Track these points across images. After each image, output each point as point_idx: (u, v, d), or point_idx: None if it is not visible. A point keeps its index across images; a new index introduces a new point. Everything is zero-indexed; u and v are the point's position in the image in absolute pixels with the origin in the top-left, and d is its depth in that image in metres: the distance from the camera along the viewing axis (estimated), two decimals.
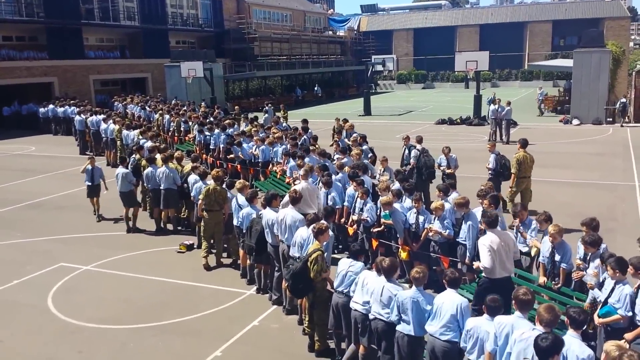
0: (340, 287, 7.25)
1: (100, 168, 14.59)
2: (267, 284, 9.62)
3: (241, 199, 10.15)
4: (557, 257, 7.73)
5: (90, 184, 14.24)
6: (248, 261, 10.10)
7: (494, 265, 7.26)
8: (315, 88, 54.09)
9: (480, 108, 30.64)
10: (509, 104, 24.86)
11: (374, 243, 10.03)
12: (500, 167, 13.21)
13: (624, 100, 30.58)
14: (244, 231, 9.75)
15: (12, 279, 10.70)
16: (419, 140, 14.59)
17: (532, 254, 8.27)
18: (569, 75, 34.70)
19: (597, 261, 7.01)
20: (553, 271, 7.82)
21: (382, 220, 10.02)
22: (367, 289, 6.81)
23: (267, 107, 28.10)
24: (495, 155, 13.30)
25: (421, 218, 9.57)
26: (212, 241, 11.06)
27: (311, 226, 7.91)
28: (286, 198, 9.42)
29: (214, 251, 11.12)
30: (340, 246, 11.34)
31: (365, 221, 10.27)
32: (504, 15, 67.78)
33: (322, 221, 8.10)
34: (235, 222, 10.32)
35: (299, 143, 16.16)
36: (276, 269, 9.18)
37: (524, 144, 13.21)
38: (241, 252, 10.35)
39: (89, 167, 14.17)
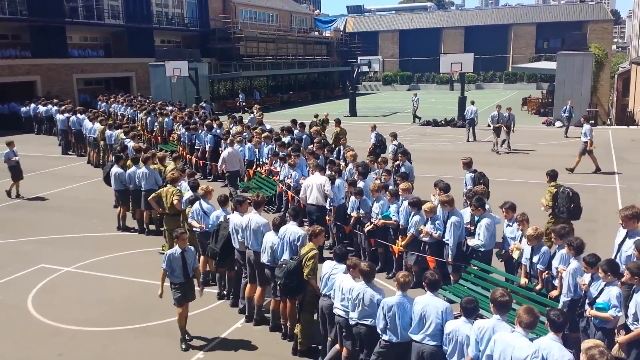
0: (324, 289, 7.27)
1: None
2: (230, 290, 9.47)
3: (205, 204, 9.87)
4: (535, 259, 7.82)
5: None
6: (208, 267, 10.00)
7: (305, 197, 11.39)
8: (255, 93, 47.62)
9: (464, 110, 30.75)
10: (509, 109, 23.60)
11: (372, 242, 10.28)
12: (379, 143, 17.26)
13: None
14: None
15: None
16: (394, 135, 16.09)
17: (515, 256, 8.35)
18: (552, 77, 35.07)
19: (575, 262, 7.06)
20: (530, 272, 7.93)
21: (382, 220, 10.15)
22: (345, 293, 6.82)
23: (254, 109, 28.06)
24: (376, 134, 17.51)
25: (416, 218, 9.55)
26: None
27: (290, 228, 8.05)
28: None
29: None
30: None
31: (365, 218, 10.54)
32: (489, 17, 68.28)
33: (317, 225, 8.10)
34: (196, 225, 9.84)
35: (285, 144, 16.13)
36: (243, 275, 9.02)
37: (338, 122, 18.74)
38: (201, 257, 10.09)
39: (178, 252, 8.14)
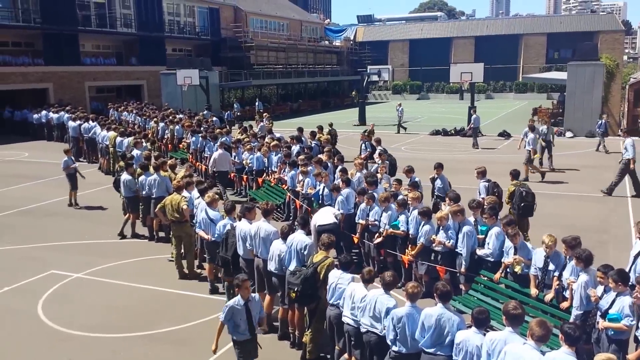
0: (331, 299, 7.24)
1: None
2: None
3: (212, 212, 9.88)
4: (552, 267, 7.75)
5: None
6: (219, 274, 9.99)
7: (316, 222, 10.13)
8: (257, 103, 44.85)
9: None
10: (548, 123, 22.40)
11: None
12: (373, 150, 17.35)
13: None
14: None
15: (3, 286, 10.62)
16: (378, 141, 16.88)
17: (518, 270, 8.29)
18: (563, 87, 34.99)
19: (584, 275, 6.99)
20: (544, 281, 7.85)
21: (391, 230, 10.11)
22: (356, 302, 6.80)
23: (263, 117, 28.14)
24: (370, 143, 18.16)
25: (426, 227, 9.50)
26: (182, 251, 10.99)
27: (297, 237, 8.07)
28: None
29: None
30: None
31: (374, 226, 10.45)
32: (499, 27, 68.26)
33: (330, 235, 8.06)
34: (204, 235, 9.92)
35: (295, 152, 16.18)
36: (250, 284, 9.03)
37: (320, 128, 20.40)
38: (208, 265, 10.19)
39: None
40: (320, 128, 20.35)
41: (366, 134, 21.59)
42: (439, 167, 12.80)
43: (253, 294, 6.97)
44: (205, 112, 31.12)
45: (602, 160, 22.74)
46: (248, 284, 6.83)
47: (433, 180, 12.72)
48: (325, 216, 10.48)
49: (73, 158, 16.54)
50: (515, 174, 12.26)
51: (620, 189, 17.52)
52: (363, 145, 18.40)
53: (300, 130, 19.50)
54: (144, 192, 13.04)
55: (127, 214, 13.53)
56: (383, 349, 6.50)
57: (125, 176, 13.31)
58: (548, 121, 22.16)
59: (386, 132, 32.46)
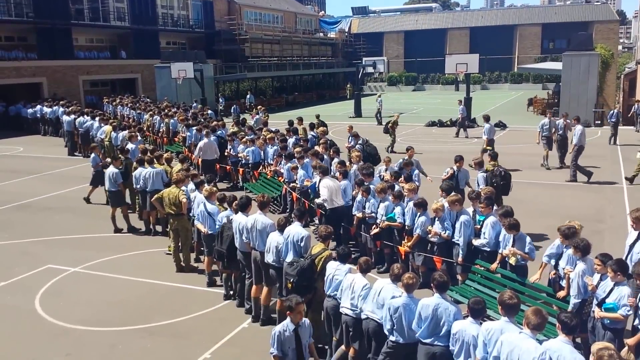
0: (328, 290, 7.27)
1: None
2: (236, 290, 9.40)
3: (210, 206, 9.88)
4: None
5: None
6: (214, 267, 10.03)
7: (330, 198, 10.84)
8: (248, 96, 43.97)
9: (471, 111, 30.66)
10: (565, 116, 20.42)
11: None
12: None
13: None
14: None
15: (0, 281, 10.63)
16: (356, 135, 17.11)
17: (512, 262, 8.28)
18: (558, 78, 35.00)
19: (582, 264, 7.02)
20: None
21: (387, 222, 10.14)
22: (356, 291, 6.81)
23: (258, 110, 28.06)
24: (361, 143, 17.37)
25: (422, 218, 9.52)
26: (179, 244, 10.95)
27: (293, 229, 8.10)
28: None
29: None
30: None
31: (371, 218, 10.51)
32: (494, 18, 68.16)
33: (328, 226, 8.10)
34: (201, 228, 9.93)
35: (291, 144, 16.15)
36: (247, 276, 8.99)
37: (300, 120, 19.89)
38: (206, 258, 10.20)
39: None
40: (300, 120, 20.00)
41: (390, 124, 21.52)
42: (460, 160, 12.32)
43: (304, 319, 6.09)
44: (194, 104, 30.98)
45: (596, 150, 22.72)
46: (302, 308, 5.98)
47: (454, 174, 12.25)
48: (338, 194, 10.95)
49: (100, 156, 16.34)
50: (493, 156, 12.93)
51: (616, 176, 17.59)
52: (350, 138, 18.25)
53: (291, 123, 19.46)
54: (138, 186, 13.00)
55: (113, 210, 13.44)
56: (381, 336, 6.53)
57: (111, 169, 13.19)
58: (565, 115, 20.15)
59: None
